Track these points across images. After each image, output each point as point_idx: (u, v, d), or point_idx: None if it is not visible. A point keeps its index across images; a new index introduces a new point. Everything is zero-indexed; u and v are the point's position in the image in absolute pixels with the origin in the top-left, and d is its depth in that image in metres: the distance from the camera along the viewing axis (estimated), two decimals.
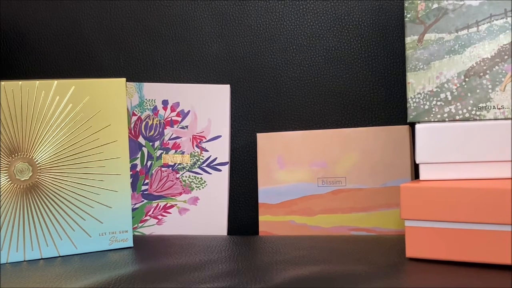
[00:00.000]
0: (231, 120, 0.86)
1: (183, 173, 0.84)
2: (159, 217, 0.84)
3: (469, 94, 0.68)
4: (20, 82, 0.69)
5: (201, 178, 0.84)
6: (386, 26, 0.85)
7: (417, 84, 0.69)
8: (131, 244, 0.75)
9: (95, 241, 0.73)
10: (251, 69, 0.88)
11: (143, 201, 0.84)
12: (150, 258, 0.69)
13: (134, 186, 0.84)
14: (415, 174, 0.82)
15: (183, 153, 0.84)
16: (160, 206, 0.84)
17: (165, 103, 0.85)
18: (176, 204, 0.84)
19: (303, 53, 0.87)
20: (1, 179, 0.69)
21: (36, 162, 0.70)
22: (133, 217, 0.84)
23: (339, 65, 0.86)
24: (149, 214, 0.84)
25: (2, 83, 0.69)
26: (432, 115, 0.69)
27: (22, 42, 0.93)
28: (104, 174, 0.73)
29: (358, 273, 0.61)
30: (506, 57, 0.67)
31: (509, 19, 0.67)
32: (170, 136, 0.84)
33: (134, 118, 0.85)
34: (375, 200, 0.81)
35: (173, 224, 0.84)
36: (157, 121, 0.85)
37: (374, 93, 0.85)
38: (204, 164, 0.84)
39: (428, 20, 0.69)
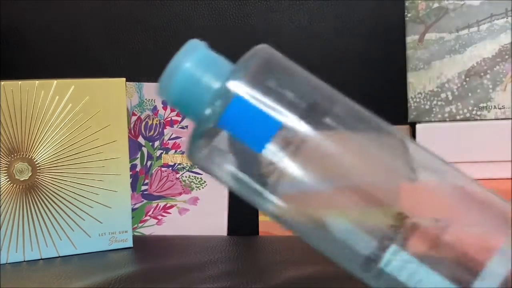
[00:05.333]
0: None
1: (183, 173, 0.84)
2: (159, 217, 0.84)
3: (469, 94, 0.67)
4: (19, 82, 0.69)
5: (201, 178, 0.84)
6: (386, 26, 0.85)
7: (418, 84, 0.69)
8: (131, 245, 0.75)
9: (94, 241, 0.73)
10: None
11: (143, 201, 0.84)
12: (149, 259, 0.68)
13: (134, 186, 0.84)
14: None
15: (183, 153, 0.84)
16: (160, 206, 0.84)
17: (165, 103, 0.85)
18: (176, 204, 0.84)
19: (303, 53, 0.87)
20: (1, 179, 0.69)
21: (36, 162, 0.70)
22: (132, 217, 0.84)
23: (339, 65, 0.86)
24: (148, 214, 0.84)
25: (2, 83, 0.68)
26: (432, 115, 0.68)
27: (22, 42, 0.93)
28: (103, 174, 0.73)
29: None
30: (507, 56, 0.67)
31: (509, 18, 0.67)
32: (170, 136, 0.84)
33: (133, 118, 0.84)
34: None
35: (173, 224, 0.84)
36: (157, 121, 0.85)
37: (374, 93, 0.85)
38: None
39: (429, 20, 0.69)
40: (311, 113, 0.40)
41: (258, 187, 0.40)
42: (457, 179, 0.41)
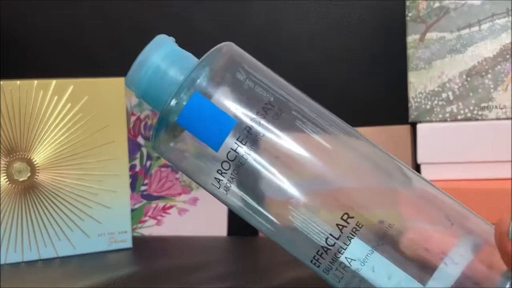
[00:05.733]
0: None
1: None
2: (159, 217, 0.84)
3: (471, 94, 0.67)
4: (18, 82, 0.69)
5: None
6: (387, 26, 0.85)
7: (419, 83, 0.69)
8: (130, 245, 0.75)
9: (93, 241, 0.73)
10: None
11: (142, 201, 0.84)
12: (149, 259, 0.68)
13: (133, 186, 0.84)
14: None
15: None
16: (159, 206, 0.84)
17: None
18: (176, 205, 0.84)
19: (303, 53, 0.87)
20: (0, 179, 0.69)
21: (35, 162, 0.70)
22: (132, 218, 0.83)
23: (339, 65, 0.86)
24: (148, 214, 0.84)
25: (1, 82, 0.68)
26: (433, 115, 0.68)
27: (22, 42, 0.93)
28: (103, 174, 0.73)
29: None
30: (508, 56, 0.66)
31: (511, 18, 0.67)
32: None
33: (133, 118, 0.84)
34: None
35: (172, 225, 0.84)
36: None
37: (374, 93, 0.85)
38: None
39: (430, 19, 0.68)
40: (271, 110, 0.41)
41: (218, 181, 0.42)
42: (412, 180, 0.42)
